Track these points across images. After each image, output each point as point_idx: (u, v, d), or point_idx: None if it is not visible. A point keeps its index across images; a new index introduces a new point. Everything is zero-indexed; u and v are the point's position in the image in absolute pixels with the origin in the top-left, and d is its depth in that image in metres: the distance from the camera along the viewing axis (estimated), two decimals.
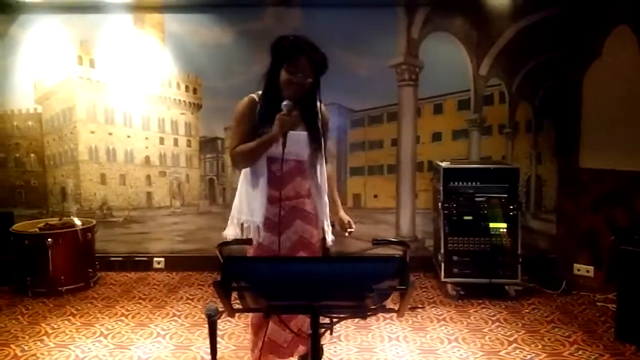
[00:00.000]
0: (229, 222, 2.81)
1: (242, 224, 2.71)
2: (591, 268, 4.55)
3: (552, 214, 4.89)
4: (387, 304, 1.88)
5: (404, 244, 1.83)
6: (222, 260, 1.84)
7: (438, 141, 4.99)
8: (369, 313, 1.94)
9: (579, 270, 4.61)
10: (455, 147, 4.95)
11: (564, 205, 4.78)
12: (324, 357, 3.10)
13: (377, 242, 1.89)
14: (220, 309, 1.97)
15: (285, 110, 2.45)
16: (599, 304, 4.10)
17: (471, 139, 4.94)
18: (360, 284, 1.79)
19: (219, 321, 3.72)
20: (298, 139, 2.64)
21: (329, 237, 2.82)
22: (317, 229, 2.81)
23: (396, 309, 1.92)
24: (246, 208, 2.71)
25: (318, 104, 2.66)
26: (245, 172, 2.75)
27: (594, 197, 4.47)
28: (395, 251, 4.91)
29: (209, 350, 3.27)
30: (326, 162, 2.84)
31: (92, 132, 5.09)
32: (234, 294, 1.84)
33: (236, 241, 2.05)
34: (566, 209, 4.75)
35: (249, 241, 2.08)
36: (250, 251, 2.77)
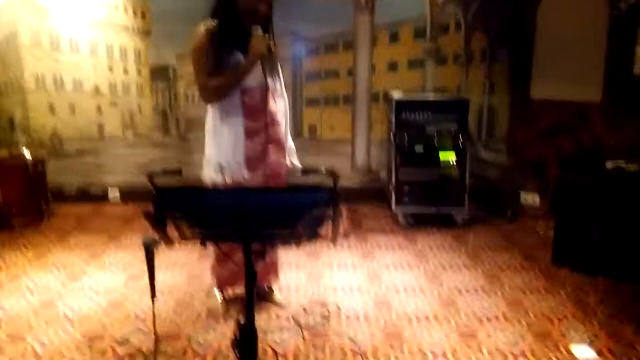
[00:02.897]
0: (205, 164, 2.75)
1: (221, 165, 2.67)
2: (537, 197, 4.71)
3: (502, 144, 4.98)
4: (320, 232, 1.93)
5: (333, 173, 1.86)
6: (154, 192, 1.85)
7: (394, 71, 4.96)
8: (301, 240, 2.00)
9: (525, 199, 4.77)
10: (410, 77, 4.93)
11: (514, 136, 4.87)
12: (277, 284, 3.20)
13: (306, 172, 1.91)
14: (158, 239, 2.00)
15: (259, 34, 2.46)
16: (540, 231, 4.28)
17: (426, 68, 4.91)
18: (290, 212, 1.83)
19: (173, 252, 3.80)
20: (257, 67, 2.59)
21: (296, 162, 2.85)
22: (284, 157, 2.83)
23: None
24: (225, 147, 2.66)
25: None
26: (215, 109, 2.69)
27: (543, 127, 4.56)
28: (352, 182, 5.01)
29: (159, 280, 3.36)
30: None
31: (38, 59, 4.87)
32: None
33: (166, 172, 2.04)
34: (516, 139, 4.85)
35: (178, 172, 2.07)
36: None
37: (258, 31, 2.48)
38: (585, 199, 3.46)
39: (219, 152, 2.67)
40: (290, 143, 2.87)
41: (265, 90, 2.66)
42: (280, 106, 2.78)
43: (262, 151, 2.72)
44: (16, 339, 2.70)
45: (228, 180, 2.68)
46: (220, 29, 2.56)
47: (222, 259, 2.90)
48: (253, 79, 2.60)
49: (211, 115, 2.71)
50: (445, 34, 4.86)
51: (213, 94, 2.62)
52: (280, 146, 2.78)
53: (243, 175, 2.66)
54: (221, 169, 2.67)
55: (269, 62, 2.64)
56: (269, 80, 2.66)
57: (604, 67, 4.10)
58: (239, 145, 2.64)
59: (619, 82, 4.02)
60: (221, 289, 3.07)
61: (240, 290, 3.10)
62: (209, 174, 2.71)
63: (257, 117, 2.66)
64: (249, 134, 2.66)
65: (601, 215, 3.38)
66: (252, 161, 2.68)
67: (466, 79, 4.91)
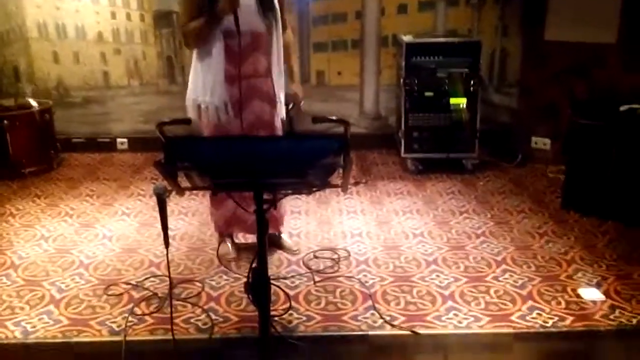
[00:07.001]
0: (187, 103, 2.77)
1: (199, 105, 2.68)
2: (548, 141, 4.66)
3: (514, 88, 4.89)
4: (330, 180, 1.93)
5: (345, 121, 1.83)
6: (163, 141, 1.84)
7: (404, 13, 4.82)
8: (311, 188, 2.00)
9: (536, 143, 4.71)
10: (421, 19, 4.79)
11: (527, 78, 4.77)
12: (285, 230, 3.24)
13: (317, 120, 1.89)
14: (169, 188, 2.00)
15: None
16: (550, 175, 4.26)
17: (437, 10, 4.77)
18: (301, 161, 1.82)
19: (183, 200, 3.83)
20: (249, 10, 2.54)
21: (281, 114, 2.83)
22: (277, 108, 2.81)
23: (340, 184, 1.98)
24: (202, 88, 2.66)
25: None
26: (199, 49, 2.67)
27: (557, 69, 4.45)
28: (361, 129, 4.97)
29: (172, 227, 3.41)
30: (284, 29, 2.78)
31: (38, 7, 4.77)
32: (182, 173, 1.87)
33: (174, 121, 2.02)
34: (528, 82, 4.75)
35: (187, 121, 2.06)
36: (205, 132, 2.77)
37: None
38: (598, 143, 3.43)
39: (197, 92, 2.67)
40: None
41: (256, 35, 2.61)
42: (273, 55, 2.72)
43: (242, 98, 2.65)
44: (34, 285, 2.76)
45: (206, 120, 2.68)
46: None
47: (217, 204, 2.94)
48: (242, 24, 2.50)
49: (195, 54, 2.69)
50: None
51: (189, 38, 2.62)
52: (267, 97, 2.76)
53: (221, 118, 2.64)
54: (199, 109, 2.67)
55: (266, 5, 2.59)
56: (260, 25, 2.61)
57: (620, 7, 3.96)
58: (218, 88, 2.61)
59: (635, 22, 3.89)
60: (219, 233, 3.10)
61: (247, 237, 3.15)
62: (191, 114, 2.72)
63: (236, 64, 2.60)
64: (229, 78, 2.62)
65: (613, 160, 3.35)
66: (232, 106, 2.66)
67: (478, 21, 4.77)
